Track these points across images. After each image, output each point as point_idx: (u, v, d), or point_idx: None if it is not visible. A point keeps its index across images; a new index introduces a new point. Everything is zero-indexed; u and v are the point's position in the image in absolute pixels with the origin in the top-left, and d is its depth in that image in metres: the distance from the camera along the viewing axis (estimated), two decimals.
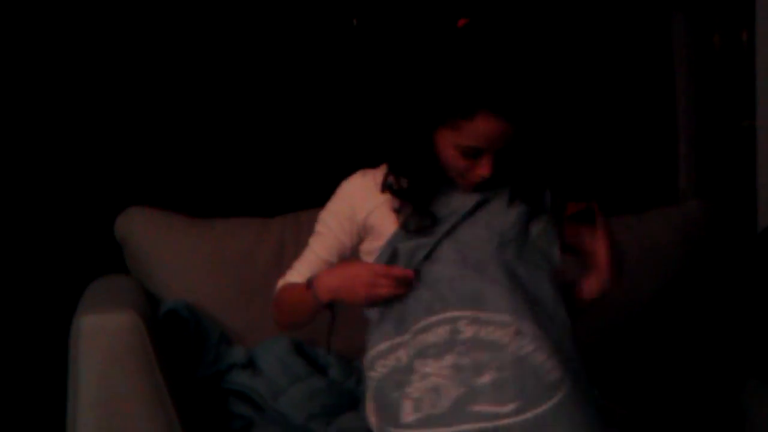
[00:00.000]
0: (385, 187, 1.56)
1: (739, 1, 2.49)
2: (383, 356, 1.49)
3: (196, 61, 2.38)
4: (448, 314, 1.45)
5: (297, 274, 1.63)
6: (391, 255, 1.53)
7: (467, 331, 1.43)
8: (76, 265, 2.25)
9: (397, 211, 1.56)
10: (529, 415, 1.38)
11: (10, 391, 2.30)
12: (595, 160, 2.57)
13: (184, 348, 1.93)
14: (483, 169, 1.49)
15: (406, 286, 1.48)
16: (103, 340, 1.66)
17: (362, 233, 1.60)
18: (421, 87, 1.49)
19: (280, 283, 1.65)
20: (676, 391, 2.00)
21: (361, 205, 1.57)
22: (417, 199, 1.54)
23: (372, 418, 1.53)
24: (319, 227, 1.62)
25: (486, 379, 1.40)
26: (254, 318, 2.02)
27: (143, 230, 2.09)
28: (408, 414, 1.42)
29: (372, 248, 1.57)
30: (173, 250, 2.07)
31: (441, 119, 1.47)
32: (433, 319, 1.46)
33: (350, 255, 1.64)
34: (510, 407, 1.38)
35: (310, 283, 1.55)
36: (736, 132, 2.62)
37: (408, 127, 1.51)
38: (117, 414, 1.66)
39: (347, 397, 1.87)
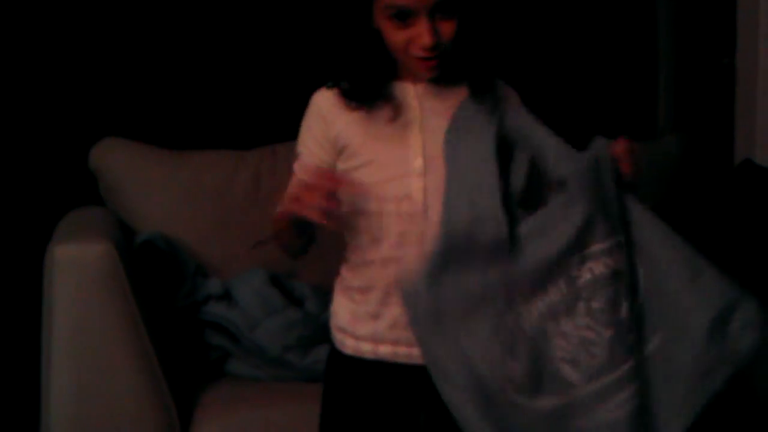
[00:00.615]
0: (342, 93, 1.47)
1: None
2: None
3: None
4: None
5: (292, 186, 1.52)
6: None
7: (583, 275, 1.37)
8: (50, 196, 2.25)
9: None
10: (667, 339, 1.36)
11: None
12: (575, 95, 2.57)
13: (160, 279, 1.94)
14: (422, 37, 1.39)
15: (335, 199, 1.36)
16: (77, 270, 1.67)
17: (337, 149, 1.50)
18: None
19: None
20: None
21: (331, 120, 1.49)
22: (364, 94, 1.46)
23: None
24: (300, 148, 1.53)
25: (624, 312, 1.36)
26: (230, 250, 2.03)
27: (118, 161, 2.08)
28: (572, 375, 1.36)
29: (347, 167, 1.53)
30: (148, 182, 2.07)
31: None
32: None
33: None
34: (656, 339, 1.37)
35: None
36: (716, 69, 2.61)
37: (346, 4, 1.45)
38: (91, 343, 1.68)
39: (322, 329, 1.85)
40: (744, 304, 1.36)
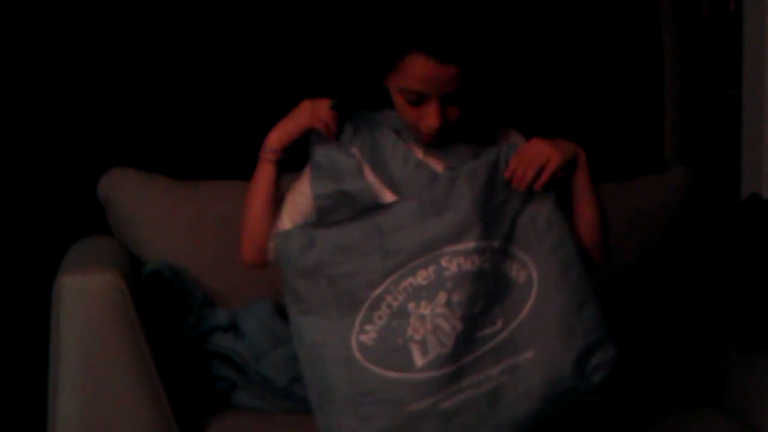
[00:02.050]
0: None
1: None
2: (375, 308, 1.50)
3: (181, 24, 2.36)
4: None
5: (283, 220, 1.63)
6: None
7: (451, 267, 1.47)
8: (58, 226, 2.25)
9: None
10: (513, 324, 1.47)
11: None
12: (581, 126, 2.56)
13: (167, 310, 1.93)
14: (430, 119, 1.49)
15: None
16: (85, 301, 1.66)
17: None
18: (360, 31, 1.55)
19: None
20: (657, 355, 2.00)
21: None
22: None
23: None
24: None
25: (479, 307, 1.47)
26: (236, 280, 2.02)
27: (126, 191, 2.08)
28: (419, 358, 1.46)
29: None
30: (156, 212, 2.07)
31: (382, 63, 1.50)
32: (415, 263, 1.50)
33: None
34: (498, 324, 1.47)
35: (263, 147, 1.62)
36: (722, 101, 2.61)
37: (357, 73, 1.56)
38: (99, 376, 1.67)
39: None
40: (606, 344, 1.50)
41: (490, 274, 1.47)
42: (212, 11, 2.38)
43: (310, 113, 1.56)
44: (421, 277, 1.47)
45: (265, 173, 1.63)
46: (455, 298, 1.46)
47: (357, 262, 1.49)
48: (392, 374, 1.45)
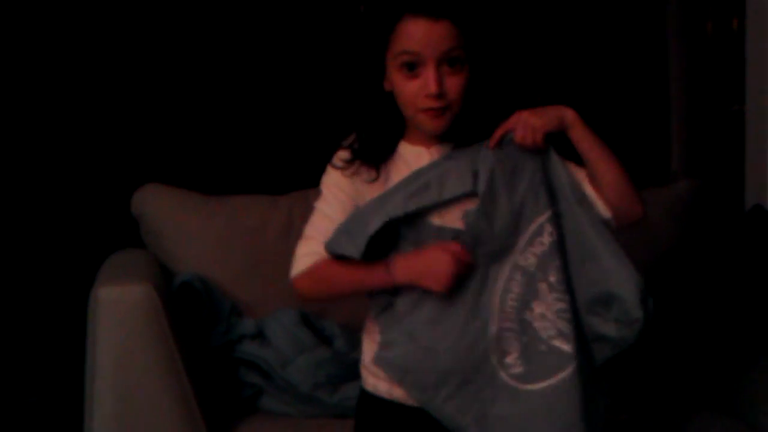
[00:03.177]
0: (354, 154, 1.49)
1: None
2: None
3: (212, 47, 2.39)
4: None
5: (316, 243, 1.49)
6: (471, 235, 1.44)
7: (529, 258, 1.43)
8: (95, 239, 2.26)
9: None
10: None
11: (33, 358, 2.32)
12: None
13: (197, 319, 1.93)
14: (428, 83, 1.39)
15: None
16: (119, 310, 1.67)
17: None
18: (356, 10, 1.51)
19: (303, 253, 1.50)
20: (667, 360, 1.99)
21: (352, 183, 1.49)
22: (369, 153, 1.47)
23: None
24: (324, 188, 1.53)
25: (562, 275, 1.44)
26: (263, 291, 2.01)
27: (158, 206, 2.08)
28: (565, 347, 1.40)
29: None
30: (187, 226, 2.07)
31: (380, 36, 1.42)
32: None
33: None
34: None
35: (388, 265, 1.44)
36: (727, 116, 2.60)
37: (360, 62, 1.47)
38: (133, 381, 1.68)
39: (351, 368, 1.86)
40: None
41: (560, 240, 1.43)
42: (242, 36, 2.40)
43: (447, 265, 1.40)
44: (515, 287, 1.43)
45: (374, 281, 1.46)
46: (552, 279, 1.41)
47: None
48: (552, 380, 1.39)
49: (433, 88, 1.39)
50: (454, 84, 1.41)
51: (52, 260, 2.32)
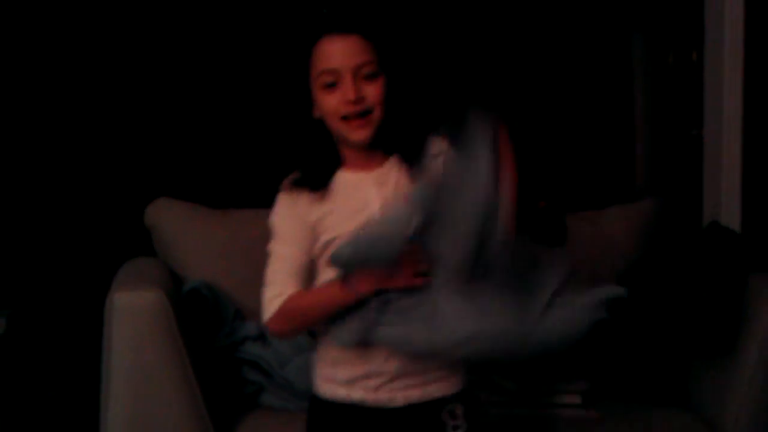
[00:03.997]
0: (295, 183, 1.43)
1: (691, 25, 2.50)
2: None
3: (217, 65, 2.40)
4: None
5: (280, 285, 1.42)
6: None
7: None
8: (111, 248, 2.27)
9: None
10: None
11: (52, 357, 2.33)
12: (560, 161, 2.58)
13: (204, 322, 1.95)
14: (345, 91, 1.36)
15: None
16: (133, 314, 1.69)
17: (314, 236, 1.43)
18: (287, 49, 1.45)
19: (270, 298, 1.42)
20: (631, 363, 2.03)
21: (305, 211, 1.43)
22: (310, 180, 1.41)
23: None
24: (276, 227, 1.46)
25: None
26: None
27: (169, 219, 2.11)
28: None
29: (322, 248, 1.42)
30: (195, 236, 2.09)
31: (302, 58, 1.40)
32: None
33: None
34: None
35: (342, 283, 1.35)
36: (686, 139, 2.63)
37: (290, 91, 1.44)
38: (145, 378, 1.71)
39: None
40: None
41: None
42: (250, 51, 2.39)
43: (403, 272, 1.33)
44: None
45: (344, 305, 1.37)
46: None
47: None
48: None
49: (350, 94, 1.37)
50: (371, 90, 1.39)
51: (72, 268, 2.33)
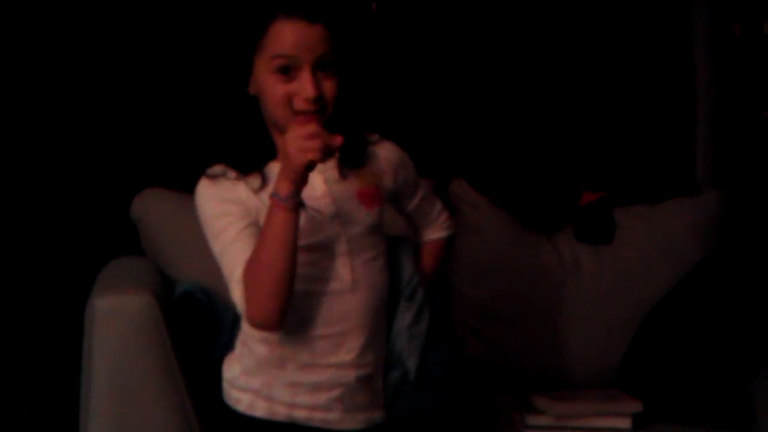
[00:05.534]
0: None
1: None
2: None
3: (209, 51, 2.36)
4: None
5: (239, 272, 1.45)
6: None
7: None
8: (92, 246, 2.27)
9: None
10: None
11: (26, 370, 2.33)
12: (613, 149, 2.59)
13: (198, 330, 1.90)
14: (306, 87, 1.40)
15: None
16: (117, 321, 1.66)
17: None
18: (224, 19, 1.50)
19: (235, 285, 1.46)
20: (690, 381, 2.00)
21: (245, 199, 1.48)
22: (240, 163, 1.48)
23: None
24: (211, 223, 1.53)
25: None
26: None
27: (159, 211, 2.06)
28: None
29: None
30: (188, 231, 1.96)
31: (250, 36, 1.43)
32: None
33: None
34: None
35: (272, 198, 1.40)
36: (756, 122, 2.61)
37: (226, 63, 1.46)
38: (129, 394, 1.67)
39: None
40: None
41: None
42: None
43: (297, 148, 1.36)
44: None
45: (288, 224, 1.38)
46: None
47: None
48: None
49: (311, 92, 1.40)
50: (328, 87, 1.43)
51: (48, 267, 2.34)
